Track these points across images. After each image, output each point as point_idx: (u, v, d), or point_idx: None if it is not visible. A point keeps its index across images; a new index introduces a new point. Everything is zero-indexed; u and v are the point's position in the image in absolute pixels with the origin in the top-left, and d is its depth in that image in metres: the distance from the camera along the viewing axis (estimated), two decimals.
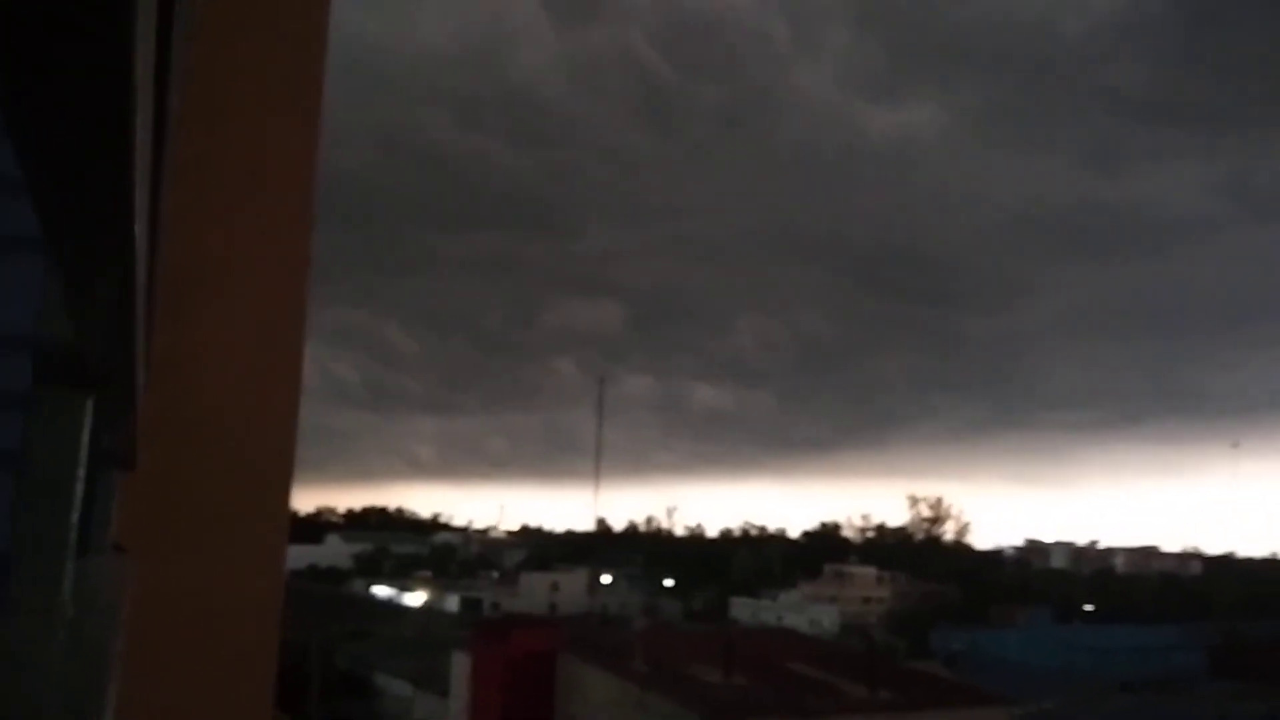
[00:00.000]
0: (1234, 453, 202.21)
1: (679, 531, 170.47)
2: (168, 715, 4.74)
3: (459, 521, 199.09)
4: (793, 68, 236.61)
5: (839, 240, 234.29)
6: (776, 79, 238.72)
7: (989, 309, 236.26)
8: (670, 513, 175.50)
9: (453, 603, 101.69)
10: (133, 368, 2.16)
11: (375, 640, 66.93)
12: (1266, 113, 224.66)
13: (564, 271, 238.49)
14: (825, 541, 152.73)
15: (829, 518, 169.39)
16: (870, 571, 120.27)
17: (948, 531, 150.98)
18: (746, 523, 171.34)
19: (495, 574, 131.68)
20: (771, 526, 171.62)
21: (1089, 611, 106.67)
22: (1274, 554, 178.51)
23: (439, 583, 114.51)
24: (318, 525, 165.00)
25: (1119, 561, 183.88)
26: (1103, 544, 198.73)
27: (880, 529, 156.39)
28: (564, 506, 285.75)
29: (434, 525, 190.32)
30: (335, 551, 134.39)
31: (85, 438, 2.04)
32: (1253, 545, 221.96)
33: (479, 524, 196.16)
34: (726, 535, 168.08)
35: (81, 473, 2.05)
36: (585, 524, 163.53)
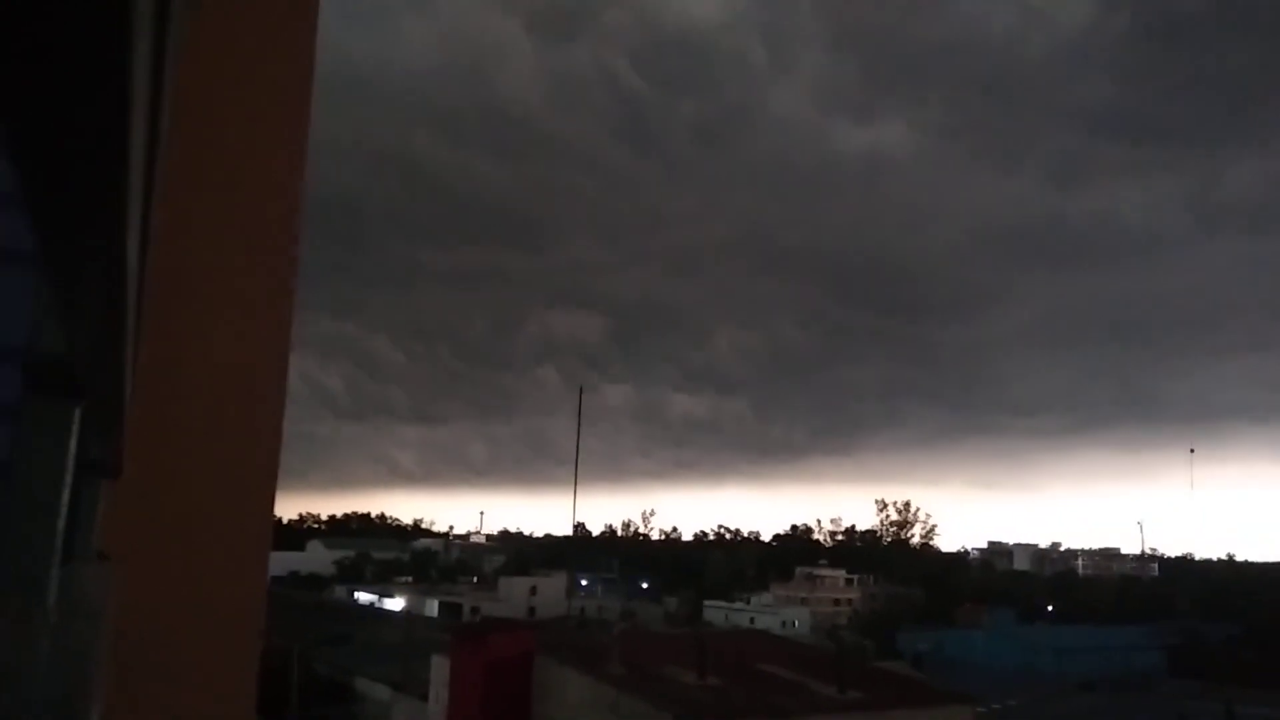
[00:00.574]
0: (1191, 458, 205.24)
1: (655, 536, 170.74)
2: None
3: (440, 527, 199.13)
4: (769, 86, 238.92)
5: (812, 252, 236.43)
6: (753, 97, 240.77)
7: (956, 319, 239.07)
8: (647, 518, 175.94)
9: (433, 607, 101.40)
10: (121, 378, 2.17)
11: (356, 645, 66.68)
12: (1225, 129, 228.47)
13: (546, 283, 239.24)
14: (796, 544, 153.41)
15: (800, 520, 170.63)
16: (839, 574, 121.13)
17: (915, 534, 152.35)
18: (721, 526, 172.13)
19: (475, 579, 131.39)
20: (745, 530, 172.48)
21: (1051, 612, 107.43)
22: (1231, 556, 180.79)
23: (419, 588, 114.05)
24: (300, 531, 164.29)
25: (1080, 563, 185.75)
26: (1064, 546, 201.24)
27: (849, 532, 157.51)
28: (543, 512, 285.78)
29: (415, 531, 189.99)
30: (317, 557, 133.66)
31: (73, 447, 2.06)
32: (1210, 548, 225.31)
33: (459, 530, 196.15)
34: (701, 539, 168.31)
35: (69, 480, 2.07)
36: (564, 529, 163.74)
